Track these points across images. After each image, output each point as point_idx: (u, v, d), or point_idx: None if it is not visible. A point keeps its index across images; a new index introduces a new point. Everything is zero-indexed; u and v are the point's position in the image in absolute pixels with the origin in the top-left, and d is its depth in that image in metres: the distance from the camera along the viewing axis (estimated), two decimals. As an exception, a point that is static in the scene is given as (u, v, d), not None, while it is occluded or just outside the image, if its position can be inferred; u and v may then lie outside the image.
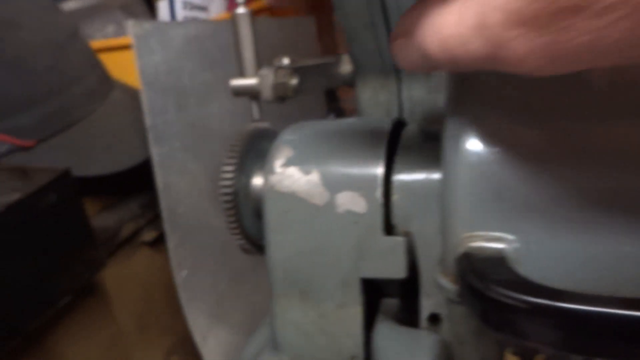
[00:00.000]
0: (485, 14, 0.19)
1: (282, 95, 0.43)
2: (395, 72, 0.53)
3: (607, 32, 0.17)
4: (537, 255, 0.27)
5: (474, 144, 0.28)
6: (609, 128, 0.26)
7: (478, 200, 0.28)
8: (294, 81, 0.43)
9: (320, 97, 0.87)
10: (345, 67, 0.58)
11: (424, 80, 0.53)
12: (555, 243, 0.27)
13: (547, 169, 0.26)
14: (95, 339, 0.64)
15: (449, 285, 0.30)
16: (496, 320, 0.26)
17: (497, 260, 0.27)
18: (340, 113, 0.60)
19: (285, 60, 0.50)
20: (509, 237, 0.27)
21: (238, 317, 0.76)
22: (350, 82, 0.60)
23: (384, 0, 0.48)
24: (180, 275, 0.65)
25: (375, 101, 0.56)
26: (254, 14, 0.46)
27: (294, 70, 0.45)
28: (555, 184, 0.26)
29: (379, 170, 0.37)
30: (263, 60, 0.47)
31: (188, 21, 0.77)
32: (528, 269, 0.26)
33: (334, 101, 0.78)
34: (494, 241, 0.27)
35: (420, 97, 0.53)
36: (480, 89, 0.29)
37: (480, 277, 0.26)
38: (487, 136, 0.28)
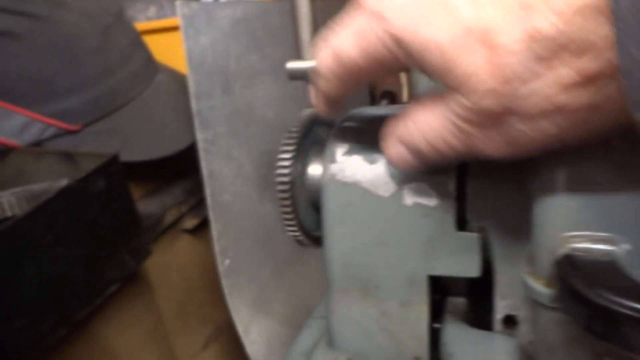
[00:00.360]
0: (454, 117, 0.24)
1: (342, 78, 0.41)
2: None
3: (539, 128, 0.22)
4: (653, 260, 0.24)
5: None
6: None
7: (583, 196, 0.25)
8: (355, 63, 0.41)
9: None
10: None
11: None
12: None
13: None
14: (138, 326, 0.63)
15: (541, 288, 0.27)
16: (604, 329, 0.23)
17: (607, 264, 0.24)
18: (392, 98, 0.57)
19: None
20: (619, 237, 0.24)
21: (280, 307, 0.74)
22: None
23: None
24: (223, 264, 0.64)
25: (433, 85, 0.52)
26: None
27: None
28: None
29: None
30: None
31: (235, 1, 0.75)
32: (643, 275, 0.23)
33: (373, 86, 0.75)
34: (602, 242, 0.24)
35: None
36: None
37: (588, 282, 0.23)
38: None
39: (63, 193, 0.42)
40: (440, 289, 0.39)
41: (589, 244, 0.24)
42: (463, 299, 0.39)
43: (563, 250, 0.25)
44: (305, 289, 0.78)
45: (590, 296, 0.22)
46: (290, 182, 0.41)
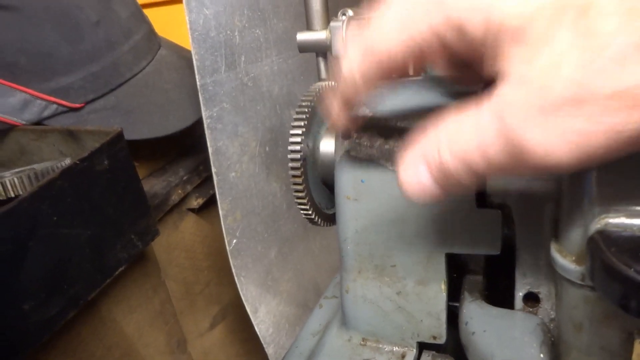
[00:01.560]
0: (503, 112, 0.20)
1: (355, 50, 0.39)
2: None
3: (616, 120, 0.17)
4: (694, 235, 0.22)
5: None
6: None
7: (618, 167, 0.23)
8: (369, 33, 0.39)
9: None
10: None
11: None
12: None
13: None
14: (146, 306, 0.62)
15: (570, 265, 0.26)
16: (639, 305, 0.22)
17: (645, 240, 0.22)
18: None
19: (349, 12, 0.46)
20: (658, 212, 0.23)
21: (287, 286, 0.74)
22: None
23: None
24: (231, 244, 0.63)
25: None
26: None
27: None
28: None
29: (473, 133, 0.33)
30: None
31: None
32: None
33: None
34: (638, 217, 0.23)
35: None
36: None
37: (623, 258, 0.22)
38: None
39: (67, 172, 0.41)
40: (457, 267, 0.38)
41: (625, 218, 0.23)
42: (480, 277, 0.38)
43: (597, 225, 0.23)
44: (311, 268, 0.78)
45: (626, 272, 0.21)
46: (302, 159, 0.39)
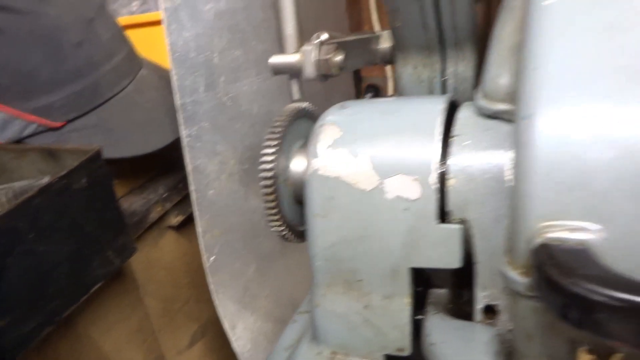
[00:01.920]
0: None
1: (325, 73, 0.41)
2: (440, 48, 0.50)
3: None
4: (626, 247, 0.24)
5: (553, 125, 0.25)
6: None
7: (558, 186, 0.25)
8: (338, 57, 0.41)
9: (348, 75, 0.84)
10: (385, 43, 0.55)
11: (471, 56, 0.50)
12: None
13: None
14: (124, 323, 0.63)
15: (518, 277, 0.28)
16: (578, 316, 0.23)
17: (582, 253, 0.24)
18: (377, 92, 0.57)
19: (324, 36, 0.48)
20: (594, 227, 0.24)
21: (265, 303, 0.75)
22: (387, 59, 0.57)
23: (432, -29, 0.45)
24: (209, 261, 0.64)
25: (417, 78, 0.53)
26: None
27: (338, 45, 0.42)
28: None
29: (434, 152, 0.34)
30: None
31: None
32: (616, 263, 0.24)
33: (359, 80, 0.75)
34: (577, 231, 0.25)
35: (467, 74, 0.50)
36: (560, 67, 0.26)
37: (563, 270, 0.23)
38: (568, 117, 0.25)
39: (45, 190, 0.42)
40: (423, 281, 0.40)
41: (564, 233, 0.25)
42: (445, 291, 0.40)
43: (539, 239, 0.25)
44: (290, 284, 0.79)
45: (565, 284, 0.23)
46: (274, 177, 0.41)
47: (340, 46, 0.43)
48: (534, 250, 0.25)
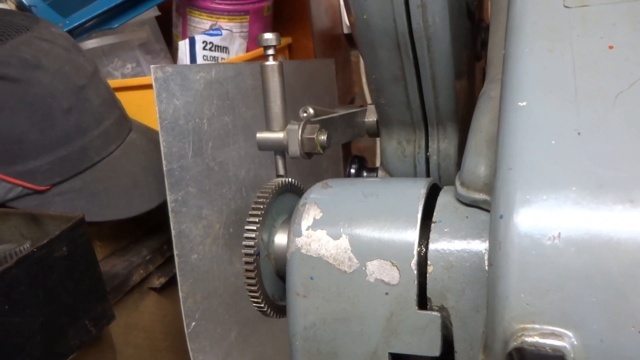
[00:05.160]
0: None
1: (309, 152, 0.42)
2: (423, 125, 0.51)
3: None
4: (599, 356, 0.24)
5: (528, 227, 0.26)
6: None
7: (533, 288, 0.25)
8: (322, 137, 0.42)
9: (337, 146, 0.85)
10: (371, 116, 0.56)
11: (453, 135, 0.51)
12: (620, 341, 0.24)
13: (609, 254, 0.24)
14: (99, 391, 0.61)
15: (495, 377, 0.27)
16: None
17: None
18: (362, 163, 0.58)
19: (310, 110, 0.49)
20: (568, 333, 0.25)
21: (247, 369, 0.73)
22: (373, 132, 0.58)
23: (416, 53, 0.47)
24: (189, 327, 0.63)
25: (402, 153, 0.54)
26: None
27: (323, 124, 0.43)
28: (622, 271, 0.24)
29: (414, 238, 0.35)
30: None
31: (209, 64, 0.76)
32: (591, 371, 0.24)
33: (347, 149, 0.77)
34: (552, 337, 0.25)
35: (449, 151, 0.51)
36: (535, 170, 0.27)
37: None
38: (542, 220, 0.26)
39: (23, 261, 0.41)
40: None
41: (539, 338, 0.25)
42: (425, 376, 0.39)
43: (515, 342, 0.25)
44: (272, 350, 0.77)
45: (539, 393, 0.23)
46: (255, 253, 0.41)
47: (325, 123, 0.44)
48: (508, 353, 0.25)
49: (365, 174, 0.57)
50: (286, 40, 1.12)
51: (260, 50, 0.85)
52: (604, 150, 0.26)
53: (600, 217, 0.25)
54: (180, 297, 0.62)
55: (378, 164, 0.69)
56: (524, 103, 0.29)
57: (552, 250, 0.25)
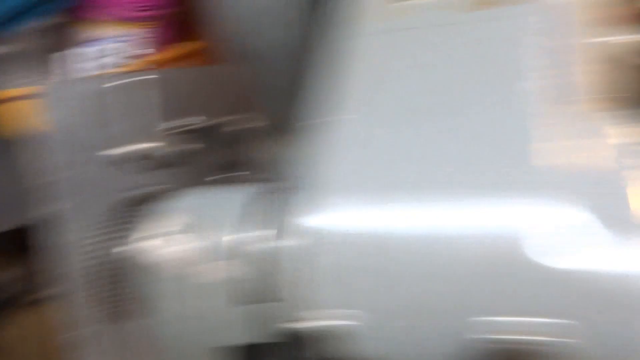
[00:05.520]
0: None
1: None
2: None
3: None
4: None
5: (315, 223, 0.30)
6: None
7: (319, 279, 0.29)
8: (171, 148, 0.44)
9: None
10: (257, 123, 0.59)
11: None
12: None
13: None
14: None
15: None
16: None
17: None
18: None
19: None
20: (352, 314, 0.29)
21: None
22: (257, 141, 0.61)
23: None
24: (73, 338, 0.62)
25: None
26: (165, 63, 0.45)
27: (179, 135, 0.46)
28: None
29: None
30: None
31: (97, 75, 0.76)
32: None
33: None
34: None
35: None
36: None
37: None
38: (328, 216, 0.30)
39: None
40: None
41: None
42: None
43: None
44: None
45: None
46: (101, 264, 0.42)
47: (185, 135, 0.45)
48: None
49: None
50: (197, 45, 1.10)
51: (166, 56, 0.87)
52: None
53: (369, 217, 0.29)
54: (62, 309, 0.61)
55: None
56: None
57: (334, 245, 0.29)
